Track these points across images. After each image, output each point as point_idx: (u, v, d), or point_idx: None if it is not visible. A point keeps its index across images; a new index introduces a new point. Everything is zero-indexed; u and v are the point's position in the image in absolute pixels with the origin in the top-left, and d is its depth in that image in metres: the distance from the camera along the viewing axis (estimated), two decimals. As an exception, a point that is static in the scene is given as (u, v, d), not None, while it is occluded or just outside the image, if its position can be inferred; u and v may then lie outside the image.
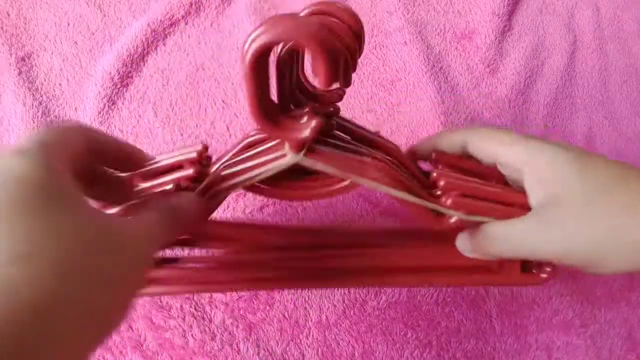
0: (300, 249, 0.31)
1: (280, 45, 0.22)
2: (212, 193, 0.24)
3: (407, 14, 0.51)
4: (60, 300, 0.15)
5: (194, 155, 0.25)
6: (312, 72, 0.19)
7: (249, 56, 0.19)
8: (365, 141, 0.26)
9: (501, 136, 0.27)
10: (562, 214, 0.22)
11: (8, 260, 0.15)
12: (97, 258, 0.17)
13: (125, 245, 0.18)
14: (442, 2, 0.53)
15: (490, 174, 0.27)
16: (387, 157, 0.26)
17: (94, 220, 0.18)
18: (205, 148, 0.26)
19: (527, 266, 0.26)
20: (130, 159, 0.25)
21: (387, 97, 0.48)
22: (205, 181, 0.24)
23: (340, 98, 0.23)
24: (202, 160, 0.26)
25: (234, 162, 0.24)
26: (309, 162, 0.23)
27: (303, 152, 0.23)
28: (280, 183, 0.25)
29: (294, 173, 0.25)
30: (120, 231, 0.18)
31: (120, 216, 0.23)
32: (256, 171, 0.23)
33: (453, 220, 0.25)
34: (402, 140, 0.46)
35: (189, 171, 0.24)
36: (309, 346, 0.37)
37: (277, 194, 0.25)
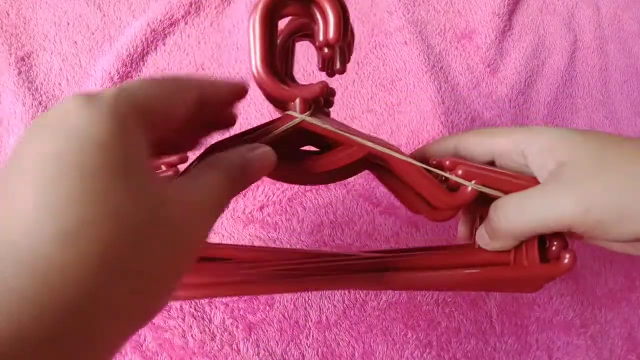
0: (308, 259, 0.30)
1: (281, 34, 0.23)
2: None
3: (407, 13, 0.51)
4: (102, 295, 0.13)
5: None
6: (322, 34, 0.20)
7: (261, 3, 0.20)
8: (362, 133, 0.26)
9: (495, 130, 0.27)
10: (576, 175, 0.22)
11: (50, 238, 0.12)
12: (150, 243, 0.14)
13: (181, 227, 0.16)
14: (442, 2, 0.53)
15: None
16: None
17: (153, 197, 0.15)
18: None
19: (546, 257, 0.25)
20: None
21: (387, 97, 0.48)
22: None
23: (326, 88, 0.23)
24: None
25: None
26: (318, 121, 0.22)
27: (309, 113, 0.22)
28: (293, 161, 0.24)
29: (300, 155, 0.24)
30: (179, 211, 0.16)
31: (181, 178, 0.19)
32: (266, 137, 0.22)
33: (469, 189, 0.23)
34: (402, 140, 0.45)
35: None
36: (309, 346, 0.37)
37: (293, 170, 0.24)
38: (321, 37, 0.20)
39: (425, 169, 0.24)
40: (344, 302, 0.39)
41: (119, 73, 0.44)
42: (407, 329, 0.39)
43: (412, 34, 0.50)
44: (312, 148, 0.26)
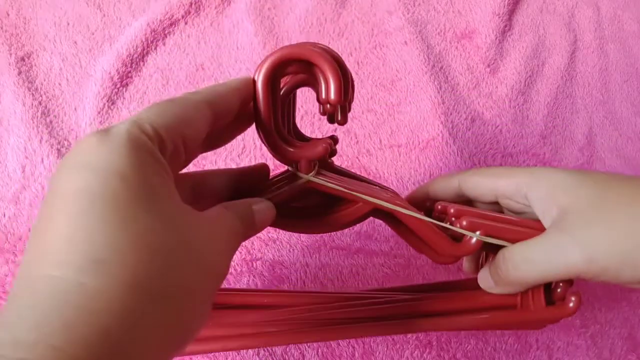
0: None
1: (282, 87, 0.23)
2: None
3: (407, 13, 0.51)
4: (133, 321, 0.13)
5: None
6: (324, 93, 0.20)
7: (265, 68, 0.20)
8: (364, 179, 0.26)
9: (498, 170, 0.27)
10: (578, 223, 0.22)
11: (82, 267, 0.13)
12: (177, 267, 0.15)
13: (207, 254, 0.16)
14: (442, 2, 0.53)
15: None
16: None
17: (179, 223, 0.15)
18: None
19: (551, 299, 0.25)
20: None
21: (387, 97, 0.48)
22: None
23: (330, 148, 0.23)
24: None
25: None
26: (321, 181, 0.23)
27: (314, 172, 0.23)
28: (299, 215, 0.25)
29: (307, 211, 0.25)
30: (204, 239, 0.16)
31: (204, 212, 0.19)
32: (274, 193, 0.23)
33: (473, 241, 0.24)
34: (402, 140, 0.45)
35: None
36: (309, 346, 0.37)
37: (297, 224, 0.24)
38: (323, 96, 0.21)
39: (431, 222, 0.24)
40: (344, 302, 0.39)
41: (119, 73, 0.44)
42: (407, 329, 0.39)
43: (412, 34, 0.50)
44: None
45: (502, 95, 0.50)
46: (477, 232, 0.24)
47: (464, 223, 0.24)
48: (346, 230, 0.41)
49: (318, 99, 0.22)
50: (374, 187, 0.25)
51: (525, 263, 0.23)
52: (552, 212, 0.23)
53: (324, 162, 0.24)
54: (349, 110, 0.23)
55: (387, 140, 0.45)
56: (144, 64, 0.46)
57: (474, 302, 0.26)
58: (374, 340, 0.38)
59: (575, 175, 0.24)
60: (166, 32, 0.47)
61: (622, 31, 0.57)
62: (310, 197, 0.25)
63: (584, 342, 0.41)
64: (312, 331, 0.26)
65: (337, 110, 0.24)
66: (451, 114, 0.47)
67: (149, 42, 0.46)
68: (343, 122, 0.23)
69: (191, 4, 0.48)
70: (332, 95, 0.20)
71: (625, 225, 0.21)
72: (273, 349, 0.37)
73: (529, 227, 0.24)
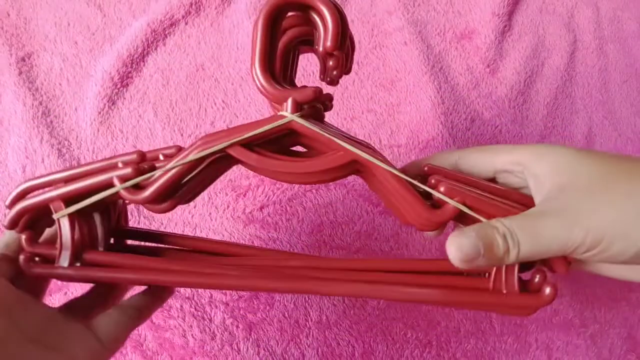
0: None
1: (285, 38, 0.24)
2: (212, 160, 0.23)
3: (407, 14, 0.51)
4: None
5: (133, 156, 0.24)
6: (322, 40, 0.21)
7: (265, 9, 0.21)
8: (351, 137, 0.26)
9: (497, 147, 0.27)
10: (575, 197, 0.22)
11: None
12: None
13: None
14: (442, 2, 0.53)
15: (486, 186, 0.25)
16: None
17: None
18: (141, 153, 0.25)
19: (527, 286, 0.24)
20: None
21: (387, 97, 0.48)
22: (188, 146, 0.23)
23: (319, 93, 0.23)
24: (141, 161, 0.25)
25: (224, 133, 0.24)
26: (304, 122, 0.22)
27: (300, 114, 0.23)
28: (272, 153, 0.24)
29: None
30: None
31: None
32: (252, 132, 0.22)
33: (448, 209, 0.22)
34: (402, 140, 0.46)
35: (127, 170, 0.23)
36: (309, 346, 0.37)
37: (267, 163, 0.23)
38: (321, 43, 0.21)
39: (408, 181, 0.23)
40: (344, 301, 0.39)
41: (119, 73, 0.44)
42: (407, 329, 0.39)
43: (412, 34, 0.50)
44: (302, 149, 0.26)
45: (502, 96, 0.50)
46: (455, 199, 0.23)
47: (442, 189, 0.23)
48: (346, 230, 0.41)
49: (318, 54, 0.22)
50: (357, 142, 0.24)
51: (523, 237, 0.22)
52: (549, 187, 0.23)
53: (317, 114, 0.24)
54: (351, 61, 0.24)
55: (387, 141, 0.45)
56: (144, 64, 0.46)
57: (445, 276, 0.25)
58: (374, 340, 0.38)
59: (574, 153, 0.24)
60: (166, 32, 0.47)
61: (621, 31, 0.58)
62: (293, 145, 0.25)
63: (584, 342, 0.41)
64: (269, 279, 0.25)
65: (340, 65, 0.24)
66: (451, 114, 0.47)
67: (150, 42, 0.46)
68: (348, 70, 0.24)
69: (191, 4, 0.48)
70: (329, 41, 0.21)
71: (623, 201, 0.21)
72: (273, 348, 0.37)
73: (518, 200, 0.23)
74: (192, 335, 0.37)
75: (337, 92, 0.27)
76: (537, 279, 0.23)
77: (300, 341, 0.38)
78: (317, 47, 0.23)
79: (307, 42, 0.25)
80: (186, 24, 0.48)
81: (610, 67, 0.55)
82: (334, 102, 0.26)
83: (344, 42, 0.22)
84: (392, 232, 0.42)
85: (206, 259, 0.28)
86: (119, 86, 0.44)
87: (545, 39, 0.54)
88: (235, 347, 0.37)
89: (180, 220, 0.40)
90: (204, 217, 0.41)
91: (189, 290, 0.38)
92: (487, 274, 0.24)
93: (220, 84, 0.46)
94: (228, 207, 0.41)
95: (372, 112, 0.47)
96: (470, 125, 0.48)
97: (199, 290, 0.38)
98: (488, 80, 0.50)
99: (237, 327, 0.37)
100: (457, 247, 0.21)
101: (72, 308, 0.25)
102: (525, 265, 0.24)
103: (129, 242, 0.29)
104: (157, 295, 0.28)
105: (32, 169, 0.40)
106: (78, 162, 0.41)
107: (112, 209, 0.27)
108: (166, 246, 0.29)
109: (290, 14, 0.23)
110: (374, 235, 0.41)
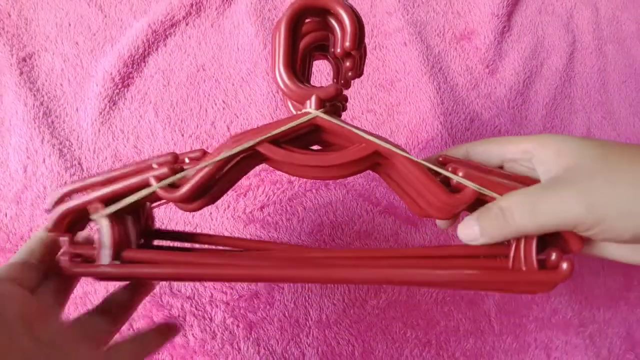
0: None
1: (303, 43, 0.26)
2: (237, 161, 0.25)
3: (407, 14, 0.52)
4: None
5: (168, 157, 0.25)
6: (340, 41, 0.23)
7: (287, 13, 0.23)
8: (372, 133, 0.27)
9: (505, 138, 0.28)
10: (580, 175, 0.23)
11: None
12: None
13: None
14: (441, 3, 0.54)
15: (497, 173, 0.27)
16: None
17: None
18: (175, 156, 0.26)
19: (544, 264, 0.25)
20: None
21: (387, 98, 0.48)
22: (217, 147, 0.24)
23: (341, 90, 0.25)
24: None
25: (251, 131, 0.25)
26: (329, 117, 0.24)
27: (324, 110, 0.24)
28: (299, 149, 0.25)
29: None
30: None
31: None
32: (280, 129, 0.24)
33: (467, 192, 0.24)
34: (402, 140, 0.46)
35: (163, 170, 0.24)
36: (309, 345, 0.38)
37: (295, 158, 0.24)
38: (339, 45, 0.23)
39: (427, 167, 0.25)
40: (343, 300, 0.39)
41: (120, 74, 0.45)
42: (407, 328, 0.39)
43: (412, 35, 0.50)
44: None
45: (501, 96, 0.50)
46: (472, 184, 0.24)
47: (461, 173, 0.24)
48: (346, 230, 0.41)
49: (334, 55, 0.24)
50: (376, 136, 0.26)
51: (523, 212, 0.23)
52: (558, 171, 0.24)
53: (337, 112, 0.26)
54: (364, 65, 0.26)
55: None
56: (145, 65, 0.46)
57: (463, 259, 0.26)
58: (373, 339, 0.38)
59: (577, 139, 0.25)
60: (167, 33, 0.48)
61: (620, 32, 0.58)
62: (314, 143, 0.26)
63: (582, 341, 0.41)
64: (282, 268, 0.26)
65: (356, 66, 0.26)
66: (450, 114, 0.47)
67: (150, 43, 0.47)
68: (360, 73, 0.26)
69: (192, 5, 0.48)
70: (348, 41, 0.23)
71: (627, 181, 0.22)
72: (273, 348, 0.37)
73: (524, 182, 0.25)
74: (192, 334, 0.37)
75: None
76: (553, 257, 0.24)
77: (301, 340, 0.38)
78: (333, 49, 0.25)
79: (321, 47, 0.27)
80: (187, 24, 0.48)
81: (609, 67, 0.55)
82: (347, 107, 0.27)
83: (362, 42, 0.24)
84: (392, 232, 0.42)
85: (237, 254, 0.29)
86: (119, 87, 0.45)
87: (545, 40, 0.55)
88: (236, 346, 0.37)
89: (180, 220, 0.41)
90: (204, 217, 0.41)
91: (189, 289, 0.38)
92: (505, 256, 0.25)
93: (220, 85, 0.46)
94: (228, 206, 0.41)
95: (371, 112, 0.47)
96: (469, 126, 0.48)
97: (200, 289, 0.38)
98: (487, 81, 0.51)
99: (238, 326, 0.37)
100: (460, 232, 0.25)
101: (83, 324, 0.25)
102: (543, 249, 0.25)
103: (156, 242, 0.30)
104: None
105: (33, 169, 0.40)
106: (79, 163, 0.42)
107: (142, 211, 0.28)
108: (193, 245, 0.30)
109: (307, 20, 0.25)
110: (373, 235, 0.42)
